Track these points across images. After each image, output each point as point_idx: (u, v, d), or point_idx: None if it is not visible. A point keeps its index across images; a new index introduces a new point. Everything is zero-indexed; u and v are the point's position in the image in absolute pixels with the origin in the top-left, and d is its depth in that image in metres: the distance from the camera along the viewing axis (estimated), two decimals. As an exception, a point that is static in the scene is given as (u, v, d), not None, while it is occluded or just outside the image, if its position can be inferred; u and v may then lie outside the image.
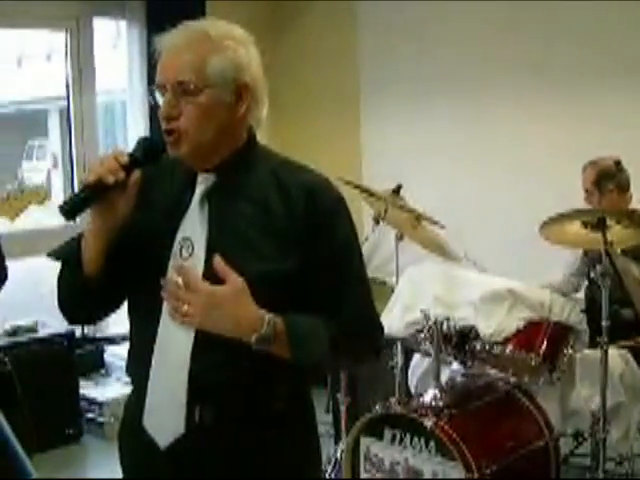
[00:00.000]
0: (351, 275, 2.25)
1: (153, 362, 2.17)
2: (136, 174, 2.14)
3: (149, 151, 2.19)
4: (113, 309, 2.38)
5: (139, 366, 2.22)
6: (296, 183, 2.20)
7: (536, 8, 5.56)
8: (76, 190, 2.19)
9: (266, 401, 2.19)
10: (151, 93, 2.21)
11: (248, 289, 2.08)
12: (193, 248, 2.17)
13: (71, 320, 2.44)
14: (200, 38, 2.14)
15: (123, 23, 6.33)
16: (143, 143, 2.22)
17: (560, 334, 4.08)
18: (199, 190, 2.21)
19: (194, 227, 2.19)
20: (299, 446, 2.29)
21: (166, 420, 2.16)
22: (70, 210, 2.10)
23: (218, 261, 2.08)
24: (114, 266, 2.21)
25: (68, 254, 2.26)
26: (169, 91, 2.13)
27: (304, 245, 2.14)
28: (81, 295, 2.25)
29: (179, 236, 2.19)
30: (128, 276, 2.24)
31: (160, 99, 2.17)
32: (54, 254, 2.31)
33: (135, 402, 2.25)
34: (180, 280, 2.11)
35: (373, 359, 2.38)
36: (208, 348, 2.12)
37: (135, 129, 6.14)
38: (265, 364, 2.12)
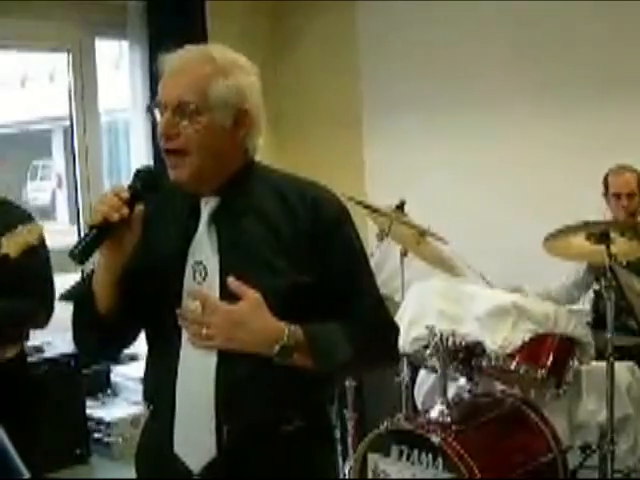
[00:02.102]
0: (362, 279, 2.29)
1: (178, 389, 2.19)
2: (139, 207, 2.16)
3: (148, 181, 2.21)
4: (129, 342, 2.42)
5: (161, 394, 2.24)
6: (298, 196, 2.23)
7: (540, 23, 5.56)
8: (82, 233, 2.22)
9: (289, 416, 2.21)
10: (150, 110, 2.23)
11: (264, 303, 2.11)
12: (206, 271, 2.19)
13: (87, 356, 2.47)
14: (205, 61, 2.16)
15: (125, 43, 6.35)
16: (140, 174, 2.23)
17: (566, 347, 4.07)
18: (205, 213, 2.23)
19: (204, 250, 2.21)
20: (319, 460, 2.31)
21: (197, 445, 2.18)
22: (80, 254, 2.12)
23: (232, 281, 2.12)
24: (128, 300, 2.23)
25: (80, 295, 2.28)
26: (169, 110, 2.15)
27: (313, 258, 2.17)
28: (97, 332, 2.27)
29: (190, 261, 2.21)
30: (143, 307, 2.26)
31: (159, 117, 2.19)
32: (67, 296, 2.33)
33: (159, 429, 2.26)
34: (197, 304, 2.14)
35: (393, 361, 2.42)
36: (231, 367, 2.14)
37: (138, 148, 6.15)
38: (287, 378, 2.15)
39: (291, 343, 2.10)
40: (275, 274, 2.15)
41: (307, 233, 2.18)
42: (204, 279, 2.19)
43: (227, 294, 2.13)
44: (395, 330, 2.38)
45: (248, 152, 2.27)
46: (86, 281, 2.26)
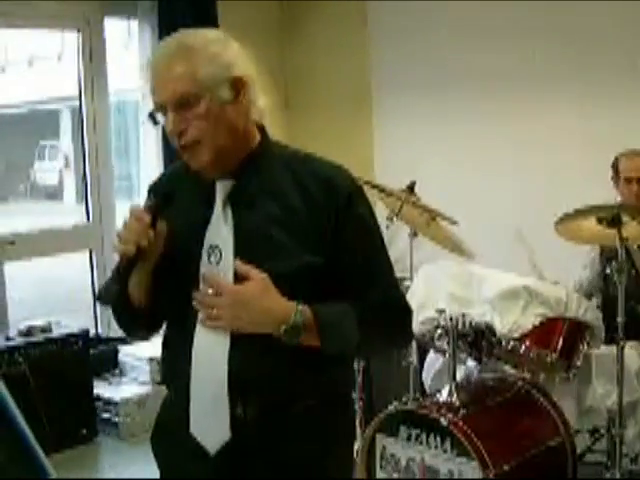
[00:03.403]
0: (376, 258, 2.29)
1: (192, 371, 2.21)
2: (162, 226, 2.22)
3: (164, 196, 2.27)
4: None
5: (178, 375, 2.26)
6: (311, 174, 2.24)
7: (554, 7, 5.53)
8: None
9: (301, 396, 2.22)
10: (152, 117, 2.23)
11: (271, 283, 2.12)
12: (221, 254, 2.21)
13: (139, 339, 2.55)
14: (183, 51, 2.16)
15: (134, 23, 6.33)
16: (155, 190, 2.34)
17: (576, 331, 4.07)
18: (219, 197, 2.25)
19: (220, 234, 2.23)
20: (334, 440, 2.31)
21: (212, 426, 2.20)
22: (116, 294, 2.19)
23: (238, 263, 2.15)
24: (158, 289, 2.29)
25: (115, 296, 2.27)
26: (170, 108, 2.16)
27: (327, 238, 2.18)
28: (141, 323, 2.39)
29: (206, 244, 2.23)
30: (165, 289, 2.30)
31: (162, 120, 2.21)
32: (103, 298, 2.30)
33: (176, 410, 2.28)
34: (207, 286, 2.17)
35: (405, 344, 2.42)
36: (243, 347, 2.16)
37: (148, 129, 6.13)
38: (299, 359, 2.16)
39: (298, 322, 2.11)
40: (287, 255, 2.16)
41: (321, 212, 2.18)
42: (219, 262, 2.21)
43: (241, 276, 2.15)
44: (409, 313, 2.37)
45: (258, 123, 2.29)
46: (115, 279, 2.24)
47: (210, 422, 2.20)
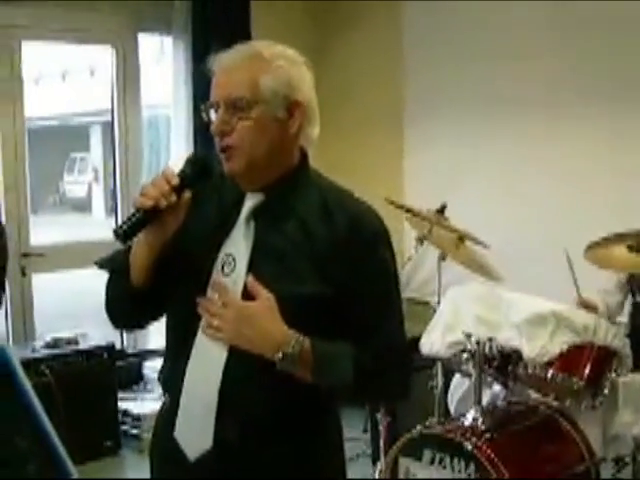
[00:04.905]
0: (387, 307, 2.27)
1: (187, 373, 2.21)
2: (187, 195, 2.18)
3: (199, 169, 2.23)
4: (157, 317, 2.43)
5: (173, 377, 2.26)
6: (341, 209, 2.23)
7: (588, 24, 5.51)
8: (126, 214, 2.25)
9: (291, 419, 2.21)
10: (204, 110, 2.24)
11: (277, 307, 2.12)
12: (235, 266, 2.20)
13: (116, 325, 2.50)
14: (253, 58, 2.19)
15: (167, 40, 6.38)
16: (194, 161, 2.25)
17: (604, 358, 4.03)
18: (246, 208, 2.25)
19: (238, 244, 2.23)
20: (321, 464, 2.30)
21: (196, 433, 2.20)
22: (125, 234, 2.15)
23: (250, 280, 2.15)
24: (160, 277, 2.25)
25: (117, 265, 2.32)
26: (221, 108, 2.18)
27: (342, 271, 2.17)
28: (128, 303, 2.31)
29: (223, 252, 2.23)
30: (171, 287, 2.28)
31: (213, 116, 2.21)
32: (103, 264, 2.37)
33: (167, 413, 2.29)
34: (215, 295, 2.17)
35: (402, 397, 2.37)
36: (240, 364, 2.16)
37: (179, 144, 6.16)
38: (294, 383, 2.14)
39: (294, 352, 2.09)
40: (298, 282, 2.16)
41: (343, 247, 2.18)
42: (232, 272, 2.21)
43: (249, 293, 2.15)
44: (408, 369, 2.33)
45: (303, 148, 2.29)
46: (124, 253, 2.28)
47: (194, 428, 2.20)
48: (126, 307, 2.33)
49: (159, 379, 2.41)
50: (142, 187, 2.17)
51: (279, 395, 2.17)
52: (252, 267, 2.19)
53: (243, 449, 2.18)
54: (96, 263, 2.36)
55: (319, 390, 2.17)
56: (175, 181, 2.15)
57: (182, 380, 2.21)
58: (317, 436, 2.28)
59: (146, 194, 2.13)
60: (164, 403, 2.38)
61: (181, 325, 2.29)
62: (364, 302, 2.21)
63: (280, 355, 2.09)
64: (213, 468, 2.19)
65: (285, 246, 2.19)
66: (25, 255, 5.76)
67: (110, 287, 2.36)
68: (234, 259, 2.21)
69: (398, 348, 2.28)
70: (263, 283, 2.14)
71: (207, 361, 2.19)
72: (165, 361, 2.39)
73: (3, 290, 3.11)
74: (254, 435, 2.18)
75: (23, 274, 5.76)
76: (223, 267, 2.21)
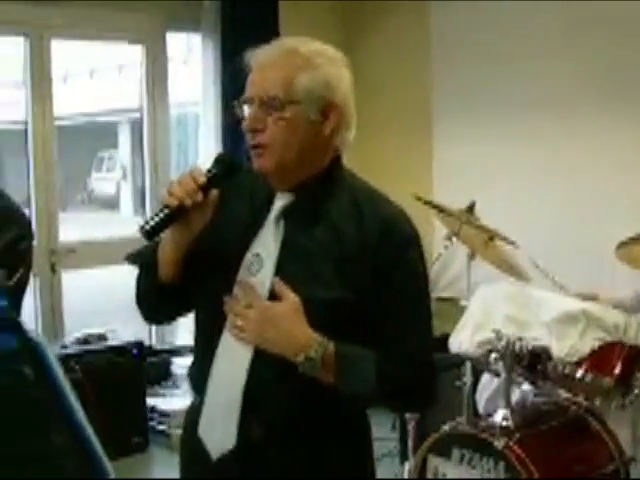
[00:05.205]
0: (415, 315, 2.23)
1: (212, 373, 2.21)
2: (214, 194, 2.16)
3: (228, 168, 2.21)
4: (185, 312, 2.43)
5: (200, 376, 2.26)
6: (373, 212, 2.20)
7: (624, 25, 5.48)
8: (153, 211, 2.23)
9: (315, 420, 2.19)
10: (238, 105, 2.22)
11: (303, 310, 2.10)
12: (262, 266, 2.19)
13: (146, 318, 2.49)
14: (290, 54, 2.16)
15: (194, 38, 6.39)
16: (222, 160, 2.24)
17: (634, 357, 4.01)
18: (276, 208, 2.23)
19: (266, 245, 2.21)
20: (348, 464, 2.28)
21: (219, 432, 2.19)
22: (150, 232, 2.15)
23: (276, 281, 2.13)
24: (188, 273, 2.24)
25: (145, 259, 2.31)
26: (255, 104, 2.15)
27: (371, 277, 2.14)
28: (157, 297, 2.30)
29: (251, 251, 2.21)
30: (199, 285, 2.27)
31: (247, 111, 2.19)
32: (132, 259, 2.36)
33: (194, 411, 2.28)
34: (241, 294, 2.16)
35: (424, 407, 2.35)
36: (265, 364, 2.14)
37: (207, 142, 6.17)
38: (319, 384, 2.12)
39: (317, 356, 2.08)
40: (323, 284, 2.14)
41: (373, 251, 2.15)
42: (258, 272, 2.19)
43: (275, 294, 2.14)
44: (432, 378, 2.29)
45: (337, 149, 2.25)
46: (152, 247, 2.27)
47: (218, 427, 2.19)
48: (154, 301, 2.33)
49: (188, 376, 2.41)
50: (169, 184, 2.16)
51: (303, 396, 2.15)
52: (279, 268, 2.17)
53: (266, 449, 2.17)
54: (126, 258, 2.36)
55: (340, 394, 2.15)
56: (202, 180, 2.13)
57: (208, 379, 2.21)
58: (342, 437, 2.25)
59: (172, 192, 2.12)
60: (193, 401, 2.37)
61: (208, 323, 2.28)
62: (392, 308, 2.17)
63: (303, 358, 2.08)
64: (236, 468, 2.18)
65: (313, 248, 2.17)
66: (54, 252, 5.78)
67: (140, 281, 2.36)
68: (261, 259, 2.19)
69: (423, 358, 2.24)
70: (289, 284, 2.12)
71: (232, 360, 2.18)
72: (194, 359, 2.39)
73: (23, 293, 3.10)
74: (278, 436, 2.17)
75: (53, 271, 5.78)
76: (250, 266, 2.20)
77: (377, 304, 2.15)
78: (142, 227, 2.14)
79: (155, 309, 2.41)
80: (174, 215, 2.13)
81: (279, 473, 2.19)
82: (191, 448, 2.29)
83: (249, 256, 2.20)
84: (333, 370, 2.10)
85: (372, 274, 2.14)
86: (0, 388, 1.33)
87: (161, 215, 2.13)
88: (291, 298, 2.11)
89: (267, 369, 2.14)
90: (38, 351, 1.20)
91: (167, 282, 2.24)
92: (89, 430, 1.24)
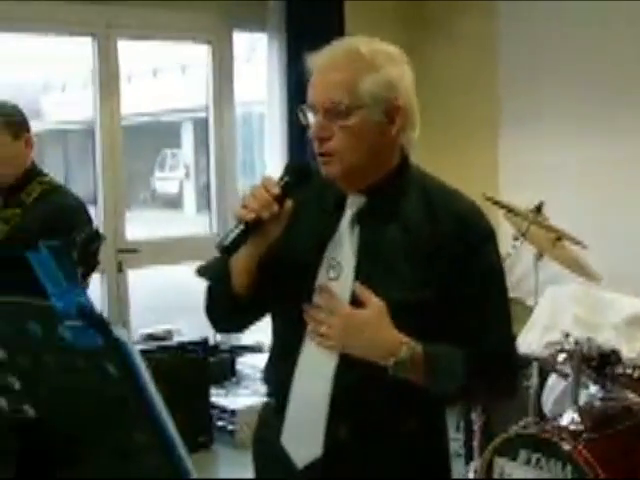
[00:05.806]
0: (494, 309, 2.21)
1: (295, 379, 2.18)
2: (289, 204, 2.14)
3: (300, 176, 2.19)
4: (258, 319, 2.40)
5: (279, 381, 2.25)
6: (447, 209, 2.18)
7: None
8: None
9: (400, 421, 2.18)
10: (302, 112, 2.19)
11: (388, 313, 2.08)
12: (341, 270, 2.17)
13: (217, 328, 2.49)
14: (352, 56, 2.13)
15: (259, 37, 6.42)
16: (293, 168, 2.23)
17: None
18: (349, 212, 2.21)
19: (343, 249, 2.18)
20: (428, 466, 2.27)
21: (305, 440, 2.18)
22: (227, 248, 2.13)
23: (359, 286, 2.11)
24: (262, 282, 2.22)
25: (216, 273, 2.29)
26: (320, 112, 2.12)
27: (448, 273, 2.12)
28: (228, 308, 2.28)
29: (327, 256, 2.19)
30: (275, 292, 2.24)
31: (311, 118, 2.16)
32: (204, 272, 2.35)
33: (274, 415, 2.26)
34: (322, 301, 2.14)
35: (509, 398, 2.34)
36: (350, 370, 2.12)
37: (273, 141, 6.18)
38: (403, 386, 2.11)
39: (407, 358, 2.06)
40: (404, 286, 2.12)
41: (449, 247, 2.13)
42: (337, 277, 2.17)
43: (358, 299, 2.12)
44: (516, 368, 2.34)
45: (403, 148, 2.23)
46: (223, 259, 2.25)
47: (303, 436, 2.18)
48: (226, 311, 2.30)
49: (264, 379, 2.39)
50: (242, 199, 2.13)
51: (390, 400, 2.14)
52: (359, 272, 2.15)
53: (353, 455, 2.16)
54: (198, 272, 2.35)
55: (429, 393, 2.14)
56: (276, 190, 2.10)
57: (289, 385, 2.19)
58: (425, 439, 2.25)
59: (247, 206, 2.09)
60: (267, 404, 2.37)
61: (287, 329, 2.28)
62: (471, 304, 2.15)
63: (393, 361, 2.06)
64: (321, 475, 2.17)
65: (390, 249, 2.15)
66: (121, 251, 5.83)
67: (210, 294, 2.33)
68: (339, 263, 2.17)
69: (507, 349, 2.25)
70: (370, 288, 2.11)
71: (316, 368, 2.16)
72: (270, 362, 2.37)
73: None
74: (365, 440, 2.15)
75: (119, 270, 5.83)
76: (329, 272, 2.18)
77: (458, 301, 2.13)
78: (220, 243, 2.12)
79: (227, 319, 2.38)
80: (250, 229, 2.11)
81: (365, 474, 2.18)
82: (271, 454, 2.26)
83: (326, 261, 2.19)
84: (423, 370, 2.09)
85: (450, 271, 2.12)
86: (84, 386, 1.35)
87: (237, 231, 2.12)
88: (375, 302, 2.09)
89: (353, 375, 2.13)
90: (123, 350, 1.21)
91: (240, 291, 2.21)
92: (173, 430, 1.25)
